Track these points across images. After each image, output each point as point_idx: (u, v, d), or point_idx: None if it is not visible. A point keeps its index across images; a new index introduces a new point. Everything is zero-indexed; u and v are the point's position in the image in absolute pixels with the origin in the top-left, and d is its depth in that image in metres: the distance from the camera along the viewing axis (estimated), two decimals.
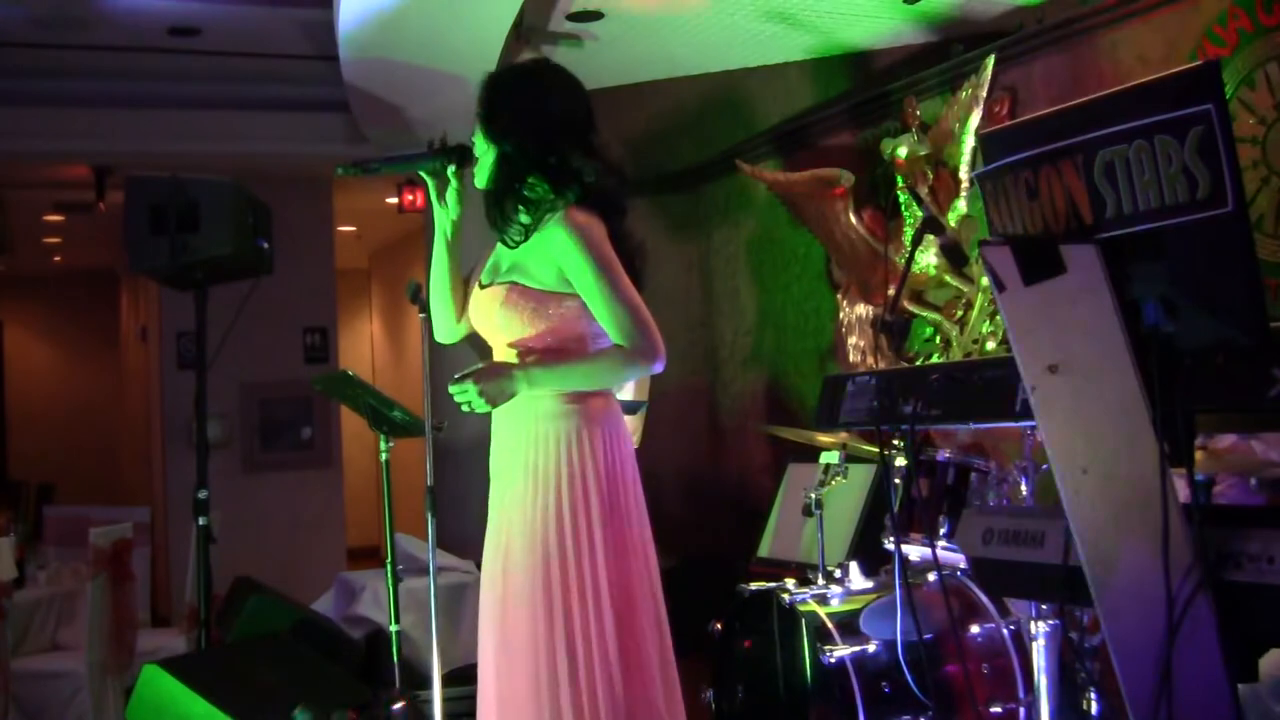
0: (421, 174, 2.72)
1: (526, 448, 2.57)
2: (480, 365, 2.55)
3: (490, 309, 2.61)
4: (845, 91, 5.52)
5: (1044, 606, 2.93)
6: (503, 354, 2.65)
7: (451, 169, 2.69)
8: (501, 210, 2.61)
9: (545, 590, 2.48)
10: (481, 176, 2.65)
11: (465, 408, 2.55)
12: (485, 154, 2.63)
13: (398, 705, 3.80)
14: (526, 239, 2.58)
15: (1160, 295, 1.70)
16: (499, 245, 2.73)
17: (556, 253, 2.54)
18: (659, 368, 2.57)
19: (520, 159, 2.57)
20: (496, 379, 2.52)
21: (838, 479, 3.80)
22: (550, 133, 2.59)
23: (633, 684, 2.50)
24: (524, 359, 2.58)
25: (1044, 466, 3.13)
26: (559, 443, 2.54)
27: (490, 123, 2.61)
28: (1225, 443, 2.87)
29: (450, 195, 2.71)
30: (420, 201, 7.54)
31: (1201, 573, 1.68)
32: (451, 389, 2.53)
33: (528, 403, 2.56)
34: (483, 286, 2.67)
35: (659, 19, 5.16)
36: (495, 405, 2.54)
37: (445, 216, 2.73)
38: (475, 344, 2.84)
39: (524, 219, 2.57)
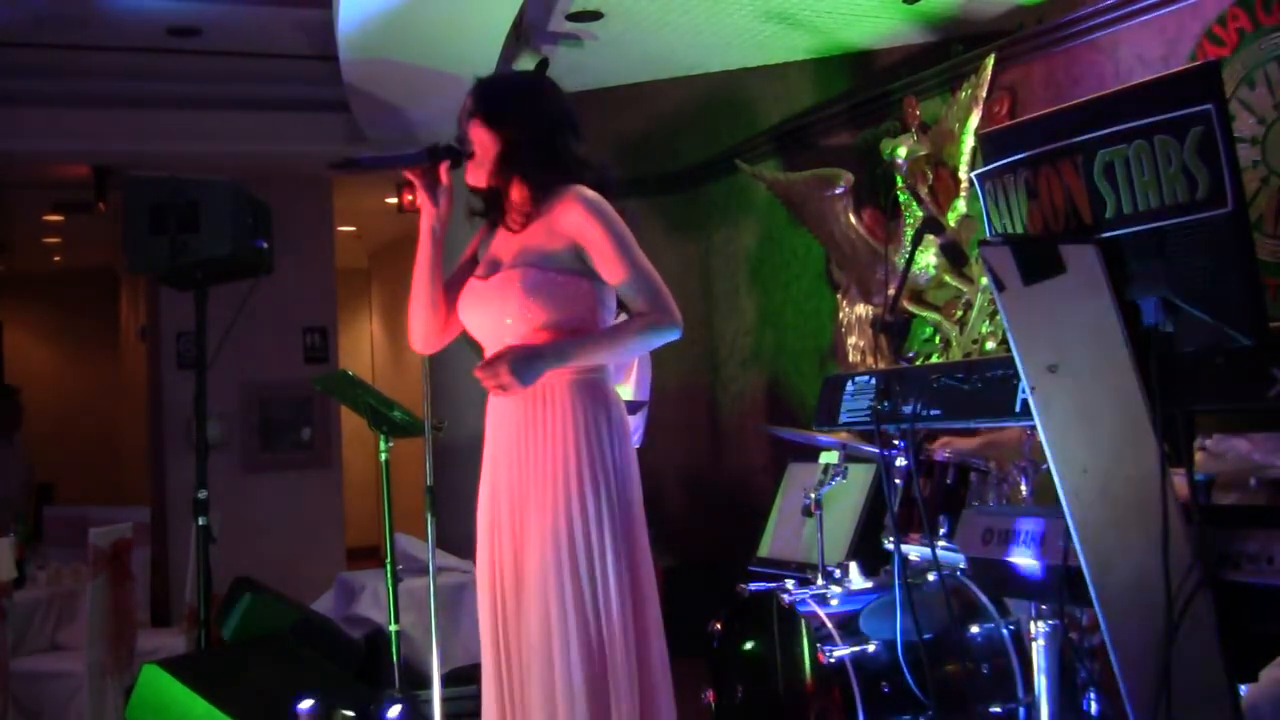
0: (409, 176, 2.71)
1: (537, 433, 2.57)
2: (506, 347, 2.55)
3: (503, 296, 2.60)
4: (845, 91, 5.52)
5: (1044, 606, 2.93)
6: (502, 345, 2.64)
7: (444, 168, 2.70)
8: (510, 199, 2.67)
9: (558, 579, 2.48)
10: (482, 172, 2.67)
11: (497, 391, 2.56)
12: (487, 149, 2.65)
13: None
14: (529, 224, 2.62)
15: (1160, 295, 1.70)
16: (491, 238, 2.74)
17: (572, 229, 2.58)
18: (678, 334, 2.63)
19: (531, 148, 2.63)
20: (527, 358, 2.53)
21: (838, 479, 3.80)
22: (555, 123, 2.67)
23: (645, 669, 2.51)
24: (555, 336, 2.58)
25: (1044, 466, 3.13)
26: (572, 429, 2.54)
27: (498, 118, 2.64)
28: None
29: (441, 196, 2.72)
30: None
31: (1201, 573, 1.68)
32: (479, 373, 2.53)
33: (536, 388, 2.56)
34: (482, 279, 2.67)
35: (659, 19, 5.16)
36: (526, 385, 2.54)
37: (435, 217, 2.73)
38: (471, 341, 2.83)
39: (532, 205, 2.62)
